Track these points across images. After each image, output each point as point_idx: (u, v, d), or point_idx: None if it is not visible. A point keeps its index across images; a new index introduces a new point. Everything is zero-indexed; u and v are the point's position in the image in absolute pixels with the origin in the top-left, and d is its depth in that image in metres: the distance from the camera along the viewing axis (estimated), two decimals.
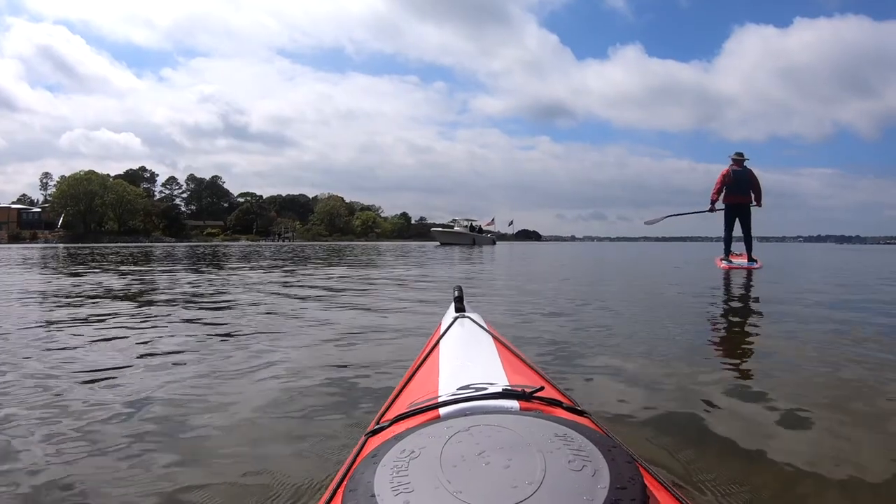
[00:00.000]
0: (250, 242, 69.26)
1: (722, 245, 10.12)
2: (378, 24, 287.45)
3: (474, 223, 57.73)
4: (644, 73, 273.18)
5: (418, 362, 1.25)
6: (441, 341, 1.36)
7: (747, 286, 7.03)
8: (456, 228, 54.42)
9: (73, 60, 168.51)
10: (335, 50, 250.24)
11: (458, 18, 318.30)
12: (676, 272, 9.30)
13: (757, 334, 3.48)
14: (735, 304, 5.38)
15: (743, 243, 10.03)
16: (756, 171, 9.59)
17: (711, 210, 9.91)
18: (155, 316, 4.02)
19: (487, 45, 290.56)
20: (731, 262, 9.95)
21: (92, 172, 78.86)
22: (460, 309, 1.64)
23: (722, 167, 9.73)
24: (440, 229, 54.77)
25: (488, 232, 60.79)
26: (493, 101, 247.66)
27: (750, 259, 9.87)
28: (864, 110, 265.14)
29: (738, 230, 9.81)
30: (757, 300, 5.69)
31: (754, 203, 9.71)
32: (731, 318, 4.27)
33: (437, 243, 47.54)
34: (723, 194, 9.68)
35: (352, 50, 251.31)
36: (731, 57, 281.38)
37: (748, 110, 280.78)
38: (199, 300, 5.10)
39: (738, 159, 9.69)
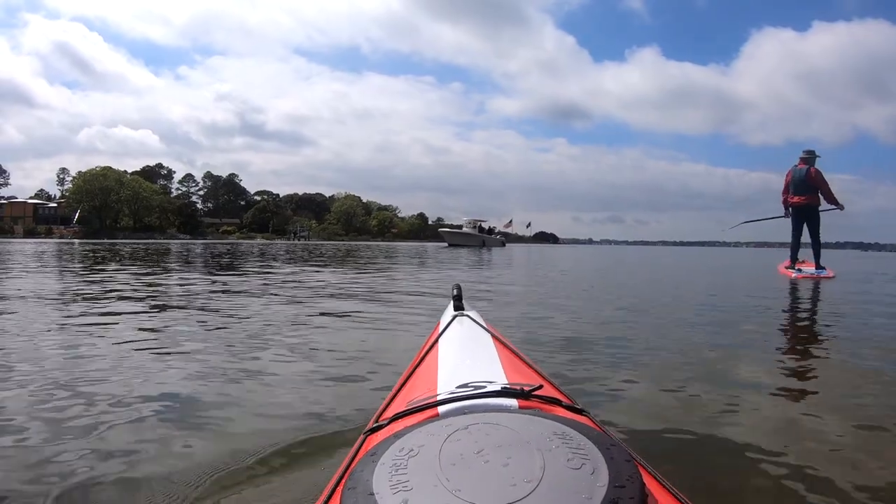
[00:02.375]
0: (265, 241, 68.89)
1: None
2: (393, 22, 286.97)
3: (483, 224, 55.63)
4: (661, 75, 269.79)
5: (417, 360, 1.24)
6: (440, 339, 1.34)
7: (815, 297, 6.24)
8: (464, 229, 52.38)
9: (90, 57, 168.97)
10: (351, 49, 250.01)
11: (473, 18, 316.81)
12: (738, 285, 8.41)
13: (807, 352, 3.11)
14: (796, 316, 4.75)
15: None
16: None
17: (787, 215, 9.04)
18: (160, 316, 4.03)
19: (503, 46, 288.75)
20: (799, 270, 9.00)
21: (108, 168, 79.21)
22: (459, 307, 1.60)
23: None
24: (448, 230, 53.22)
25: (500, 233, 59.53)
26: (509, 101, 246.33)
27: (818, 267, 8.92)
28: (884, 115, 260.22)
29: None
30: (820, 312, 4.96)
31: (827, 206, 8.80)
32: (784, 332, 3.86)
33: (446, 244, 46.15)
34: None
35: (368, 49, 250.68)
36: (750, 60, 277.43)
37: (766, 114, 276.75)
38: (206, 299, 5.16)
39: (805, 157, 8.75)
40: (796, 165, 8.79)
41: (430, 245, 50.00)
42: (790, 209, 8.91)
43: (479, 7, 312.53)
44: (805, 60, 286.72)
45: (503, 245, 51.66)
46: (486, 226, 56.42)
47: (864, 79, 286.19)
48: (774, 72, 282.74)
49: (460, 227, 54.80)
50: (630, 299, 5.78)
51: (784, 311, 5.04)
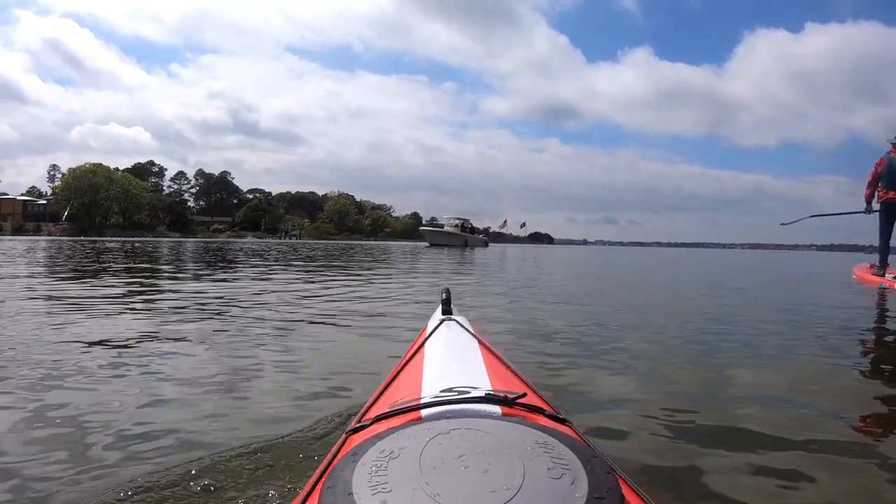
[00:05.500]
0: (256, 239, 68.05)
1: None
2: (384, 21, 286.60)
3: (466, 223, 52.87)
4: (654, 75, 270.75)
5: (402, 363, 1.24)
6: (426, 343, 1.34)
7: None
8: (446, 228, 50.05)
9: (82, 54, 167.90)
10: (343, 48, 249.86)
11: (465, 17, 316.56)
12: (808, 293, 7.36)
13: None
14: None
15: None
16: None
17: (867, 211, 7.77)
18: (149, 317, 3.97)
19: (496, 45, 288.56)
20: (894, 277, 7.60)
21: (98, 165, 77.81)
22: (447, 311, 1.59)
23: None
24: (430, 229, 51.26)
25: (484, 233, 57.60)
26: (502, 101, 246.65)
27: None
28: (878, 117, 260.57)
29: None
30: None
31: None
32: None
33: (427, 244, 44.12)
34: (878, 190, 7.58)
35: (360, 48, 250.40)
36: (743, 61, 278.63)
37: (760, 116, 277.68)
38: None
39: None
40: (889, 153, 7.54)
41: (419, 245, 48.66)
42: (880, 206, 7.66)
43: (471, 6, 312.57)
44: (798, 62, 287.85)
45: (486, 245, 50.08)
46: (478, 225, 54.69)
47: (858, 80, 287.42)
48: (768, 73, 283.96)
49: (441, 225, 52.84)
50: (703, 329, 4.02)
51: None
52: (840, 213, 8.93)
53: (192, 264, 11.49)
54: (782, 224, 10.28)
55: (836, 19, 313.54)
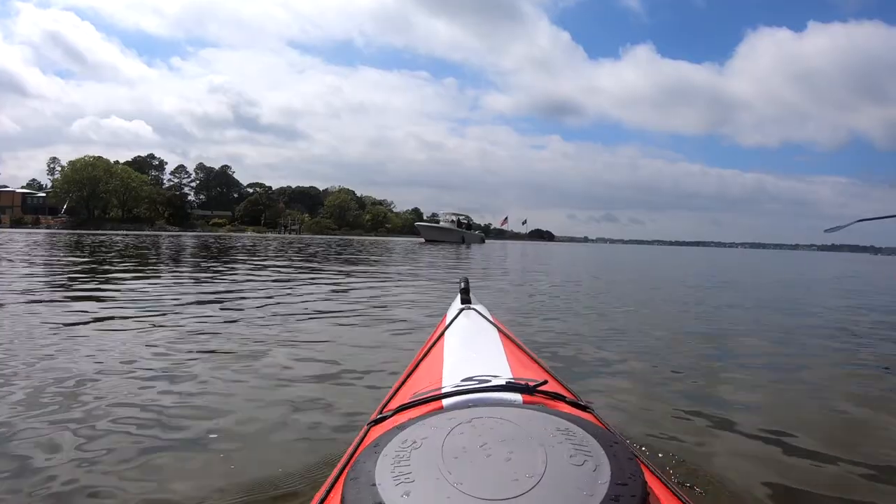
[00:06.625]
0: (257, 234, 67.76)
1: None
2: (386, 17, 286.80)
3: (462, 219, 49.89)
4: (656, 73, 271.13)
5: (423, 353, 1.24)
6: (446, 332, 1.34)
7: None
8: (441, 224, 47.59)
9: (83, 47, 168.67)
10: (345, 42, 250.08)
11: (467, 13, 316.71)
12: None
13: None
14: None
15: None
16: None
17: None
18: (161, 301, 4.08)
19: (498, 42, 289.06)
20: None
21: (98, 158, 77.18)
22: (466, 301, 1.59)
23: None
24: (426, 224, 49.40)
25: (481, 229, 56.21)
26: (503, 98, 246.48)
27: None
28: (880, 118, 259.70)
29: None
30: None
31: None
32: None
33: (423, 240, 42.36)
34: None
35: (361, 43, 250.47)
36: (745, 60, 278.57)
37: (762, 115, 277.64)
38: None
39: None
40: None
41: (415, 241, 47.56)
42: None
43: (473, 2, 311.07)
44: (801, 61, 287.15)
45: (482, 242, 48.76)
46: (479, 222, 53.40)
47: (861, 81, 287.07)
48: (769, 72, 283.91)
49: (436, 220, 51.12)
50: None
51: None
52: (891, 217, 8.46)
53: (191, 260, 11.18)
54: (826, 231, 9.76)
55: (838, 18, 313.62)
